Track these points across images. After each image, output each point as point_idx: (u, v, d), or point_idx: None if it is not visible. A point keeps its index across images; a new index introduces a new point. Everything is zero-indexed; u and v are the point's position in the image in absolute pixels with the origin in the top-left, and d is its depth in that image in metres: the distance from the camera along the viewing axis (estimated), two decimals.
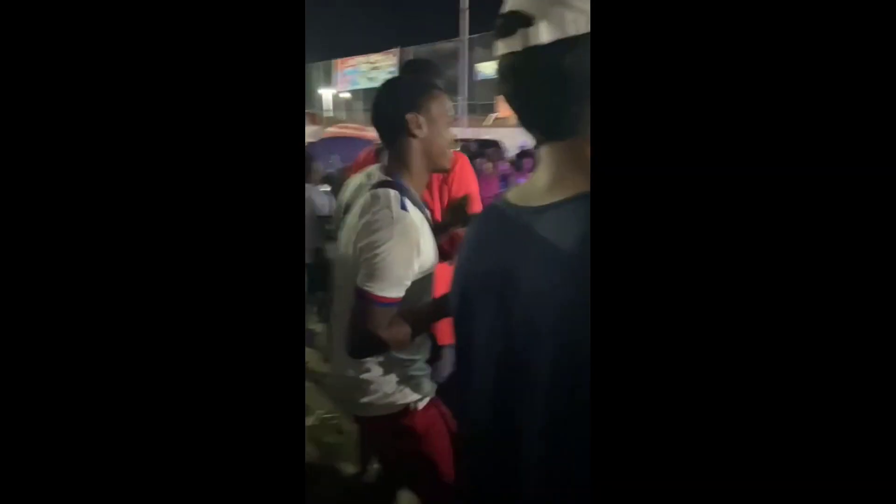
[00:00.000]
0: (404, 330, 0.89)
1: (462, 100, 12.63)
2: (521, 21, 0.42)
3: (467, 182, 1.38)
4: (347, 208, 1.04)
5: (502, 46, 0.45)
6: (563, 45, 0.41)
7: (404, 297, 0.89)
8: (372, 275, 0.87)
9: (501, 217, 0.51)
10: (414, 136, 0.94)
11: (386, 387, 0.97)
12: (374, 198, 0.92)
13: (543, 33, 0.41)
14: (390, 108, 0.96)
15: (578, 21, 0.41)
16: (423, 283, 0.94)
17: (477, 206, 1.29)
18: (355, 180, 1.13)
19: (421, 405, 1.00)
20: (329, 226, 1.76)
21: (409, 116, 0.93)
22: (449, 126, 1.00)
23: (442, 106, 0.98)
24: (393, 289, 0.87)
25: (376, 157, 1.45)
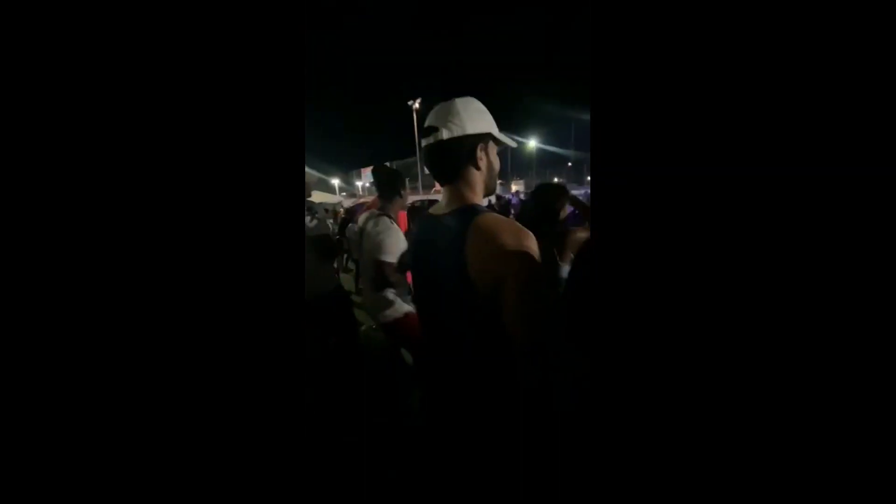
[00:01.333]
0: (397, 275, 1.91)
1: (419, 183, 24.97)
2: (433, 130, 0.93)
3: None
4: (363, 229, 2.06)
5: (424, 143, 0.95)
6: (451, 140, 0.91)
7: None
8: (382, 251, 1.89)
9: (428, 219, 0.99)
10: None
11: (397, 304, 1.98)
12: (379, 220, 1.88)
13: (444, 134, 0.91)
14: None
15: (457, 129, 0.91)
16: (402, 255, 1.91)
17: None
18: (363, 218, 2.12)
19: (410, 312, 2.00)
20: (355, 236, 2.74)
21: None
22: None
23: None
24: (391, 257, 1.90)
25: (377, 203, 2.18)
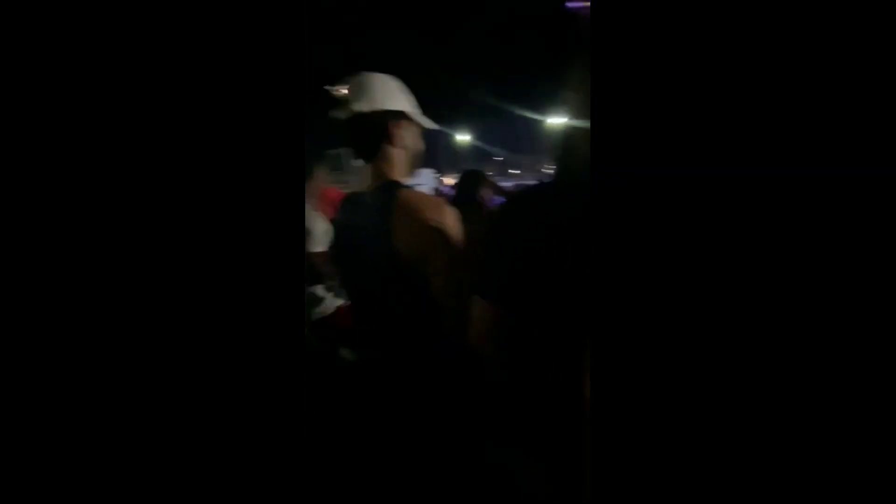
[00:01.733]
0: (329, 266, 1.62)
1: (351, 176, 23.62)
2: (345, 102, 0.93)
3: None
4: None
5: (341, 115, 0.96)
6: (366, 115, 0.92)
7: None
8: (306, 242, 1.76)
9: (351, 198, 1.06)
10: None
11: (328, 301, 1.86)
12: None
13: (357, 107, 0.92)
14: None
15: (373, 104, 0.92)
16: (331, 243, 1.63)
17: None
18: None
19: (342, 304, 1.83)
20: None
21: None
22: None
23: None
24: (318, 246, 1.75)
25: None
